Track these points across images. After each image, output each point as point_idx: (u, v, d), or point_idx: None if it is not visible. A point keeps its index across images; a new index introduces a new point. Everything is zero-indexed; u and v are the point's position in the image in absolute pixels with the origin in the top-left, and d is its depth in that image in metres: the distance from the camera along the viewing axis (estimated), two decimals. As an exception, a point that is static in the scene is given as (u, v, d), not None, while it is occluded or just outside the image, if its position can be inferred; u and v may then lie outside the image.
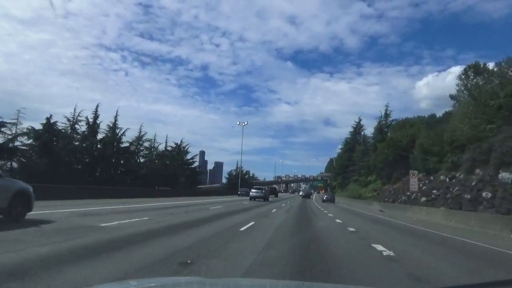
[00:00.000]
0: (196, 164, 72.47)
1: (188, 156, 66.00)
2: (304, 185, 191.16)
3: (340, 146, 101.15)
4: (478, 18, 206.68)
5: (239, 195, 59.32)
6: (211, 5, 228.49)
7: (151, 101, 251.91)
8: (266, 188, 55.63)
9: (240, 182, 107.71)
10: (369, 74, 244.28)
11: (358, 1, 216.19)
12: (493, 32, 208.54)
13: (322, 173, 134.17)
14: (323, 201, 55.93)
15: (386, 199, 45.93)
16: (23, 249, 5.60)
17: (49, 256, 5.31)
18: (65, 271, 4.49)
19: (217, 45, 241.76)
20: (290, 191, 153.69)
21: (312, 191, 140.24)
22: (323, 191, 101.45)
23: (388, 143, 56.67)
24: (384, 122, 68.07)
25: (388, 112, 67.81)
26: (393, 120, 67.04)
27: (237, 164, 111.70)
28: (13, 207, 8.53)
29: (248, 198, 42.44)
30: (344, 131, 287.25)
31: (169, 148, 63.40)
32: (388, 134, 65.67)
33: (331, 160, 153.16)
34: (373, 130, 72.37)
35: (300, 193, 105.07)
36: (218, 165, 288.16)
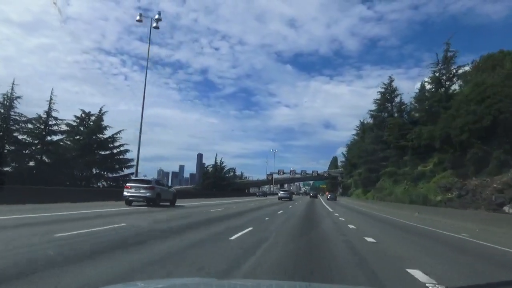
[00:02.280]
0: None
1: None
2: (304, 188, 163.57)
3: (353, 133, 73.69)
4: (478, 20, 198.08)
5: (257, 195, 73.95)
6: (210, 9, 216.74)
7: (151, 105, 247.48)
8: (294, 190, 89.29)
9: (219, 181, 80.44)
10: (369, 76, 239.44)
11: (358, 4, 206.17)
12: (493, 34, 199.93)
13: (326, 171, 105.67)
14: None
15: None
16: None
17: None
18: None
19: (217, 49, 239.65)
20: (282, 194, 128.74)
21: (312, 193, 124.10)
22: (327, 193, 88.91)
23: (476, 92, 28.94)
24: (443, 71, 40.06)
25: (449, 56, 39.80)
26: (459, 67, 38.99)
27: (214, 160, 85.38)
28: (173, 201, 21.80)
29: (260, 197, 64.47)
30: (344, 134, 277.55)
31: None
32: (458, 88, 37.93)
33: (335, 158, 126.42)
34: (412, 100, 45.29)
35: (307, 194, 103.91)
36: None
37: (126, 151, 41.79)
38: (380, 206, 31.48)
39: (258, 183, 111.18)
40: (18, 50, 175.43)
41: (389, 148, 47.17)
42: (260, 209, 21.62)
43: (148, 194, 18.30)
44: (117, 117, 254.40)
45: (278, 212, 19.22)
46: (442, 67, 40.38)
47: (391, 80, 53.02)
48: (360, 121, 71.16)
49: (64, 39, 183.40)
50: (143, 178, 21.84)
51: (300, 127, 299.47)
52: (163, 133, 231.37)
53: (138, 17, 31.54)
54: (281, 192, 55.47)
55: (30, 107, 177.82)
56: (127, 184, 19.18)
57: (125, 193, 18.45)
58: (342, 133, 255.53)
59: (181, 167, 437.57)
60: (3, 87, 31.66)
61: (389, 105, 52.51)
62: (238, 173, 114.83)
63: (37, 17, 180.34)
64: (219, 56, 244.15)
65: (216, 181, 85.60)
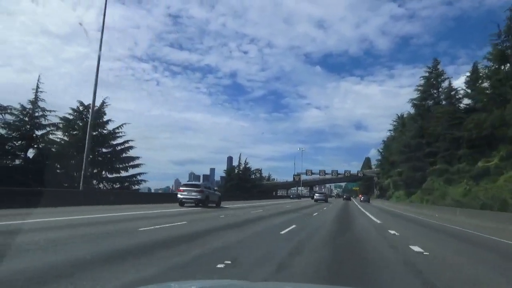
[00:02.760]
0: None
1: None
2: (336, 190, 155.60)
3: (389, 129, 66.10)
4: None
5: (291, 198, 77.42)
6: (238, 13, 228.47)
7: (182, 109, 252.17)
8: (326, 192, 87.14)
9: (243, 183, 75.48)
10: (402, 76, 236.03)
11: (388, 2, 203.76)
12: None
13: (360, 171, 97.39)
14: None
15: None
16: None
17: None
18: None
19: (245, 52, 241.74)
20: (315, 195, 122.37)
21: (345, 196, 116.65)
22: (360, 196, 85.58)
23: None
24: (506, 43, 32.44)
25: (516, 24, 32.08)
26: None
27: (238, 160, 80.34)
28: (219, 203, 24.02)
29: (294, 199, 66.80)
30: (376, 135, 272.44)
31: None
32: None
33: (367, 159, 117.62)
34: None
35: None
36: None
37: (130, 148, 37.13)
38: (434, 212, 24.52)
39: (286, 185, 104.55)
40: (56, 59, 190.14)
41: (437, 141, 39.60)
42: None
43: (198, 197, 20.97)
44: (151, 121, 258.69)
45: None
46: (505, 38, 32.66)
47: (437, 63, 45.25)
48: (398, 115, 63.50)
49: (99, 48, 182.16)
50: (194, 182, 24.86)
51: (330, 128, 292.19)
52: (194, 137, 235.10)
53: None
54: (317, 195, 57.50)
55: (67, 114, 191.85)
56: (180, 188, 22.23)
57: (179, 196, 21.45)
58: (374, 134, 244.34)
59: (212, 170, 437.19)
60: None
61: (435, 91, 44.69)
62: (264, 174, 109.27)
63: (74, 28, 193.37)
64: (248, 59, 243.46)
65: (240, 182, 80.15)
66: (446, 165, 37.21)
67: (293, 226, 11.47)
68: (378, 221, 16.04)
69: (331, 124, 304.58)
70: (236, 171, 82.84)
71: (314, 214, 19.32)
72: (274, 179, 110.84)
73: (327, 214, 20.57)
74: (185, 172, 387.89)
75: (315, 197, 55.11)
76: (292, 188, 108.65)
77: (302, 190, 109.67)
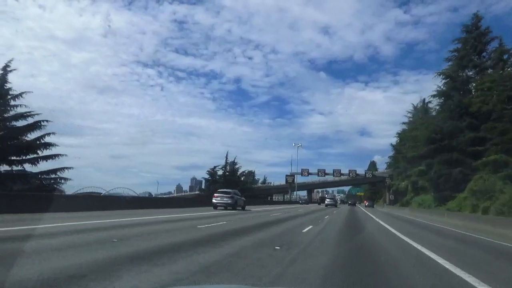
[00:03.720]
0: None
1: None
2: (339, 195, 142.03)
3: (407, 115, 54.42)
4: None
5: (300, 203, 74.97)
6: (243, 19, 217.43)
7: (186, 115, 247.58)
8: (336, 197, 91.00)
9: (231, 186, 63.03)
10: (406, 82, 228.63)
11: (394, 8, 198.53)
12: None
13: (369, 172, 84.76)
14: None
15: None
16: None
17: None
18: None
19: (250, 58, 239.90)
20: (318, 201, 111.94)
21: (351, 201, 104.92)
22: (365, 201, 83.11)
23: None
24: None
25: None
26: None
27: (225, 159, 69.29)
28: (244, 206, 28.39)
29: (303, 204, 70.18)
30: (380, 141, 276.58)
31: None
32: None
33: (373, 163, 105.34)
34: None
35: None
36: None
37: (36, 125, 25.09)
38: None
39: (281, 189, 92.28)
40: (62, 65, 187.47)
41: (486, 123, 27.45)
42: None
43: (229, 201, 25.89)
44: (155, 127, 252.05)
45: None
46: None
47: (478, 19, 33.08)
48: (413, 104, 52.04)
49: (104, 53, 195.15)
50: (226, 190, 28.95)
51: (334, 134, 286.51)
52: (197, 142, 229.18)
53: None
54: (328, 200, 64.41)
55: (72, 119, 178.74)
56: (215, 194, 27.06)
57: (213, 200, 26.26)
58: (378, 140, 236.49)
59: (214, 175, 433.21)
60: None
61: (476, 57, 32.55)
62: (258, 177, 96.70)
63: (80, 33, 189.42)
64: (252, 65, 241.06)
65: (226, 186, 68.07)
66: (504, 156, 25.03)
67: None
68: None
69: (334, 130, 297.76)
70: (222, 172, 71.31)
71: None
72: (270, 182, 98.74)
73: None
74: (187, 177, 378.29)
75: (326, 202, 62.80)
76: (295, 193, 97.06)
77: (298, 195, 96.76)
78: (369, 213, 30.83)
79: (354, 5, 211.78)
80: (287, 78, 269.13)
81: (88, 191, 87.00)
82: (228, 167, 71.46)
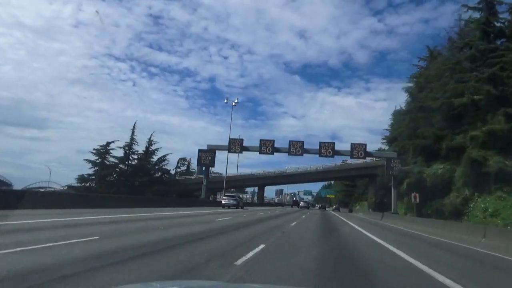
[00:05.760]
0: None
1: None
2: (305, 198, 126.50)
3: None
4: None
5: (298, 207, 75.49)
6: (221, 18, 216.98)
7: (158, 112, 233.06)
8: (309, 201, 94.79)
9: (132, 178, 48.17)
10: (377, 89, 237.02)
11: (369, 17, 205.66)
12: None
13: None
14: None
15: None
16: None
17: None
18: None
19: (226, 57, 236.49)
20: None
21: (317, 205, 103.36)
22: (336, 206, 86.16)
23: None
24: None
25: None
26: None
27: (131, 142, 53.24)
28: (242, 206, 39.27)
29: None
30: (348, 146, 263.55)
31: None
32: None
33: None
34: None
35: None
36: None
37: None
38: None
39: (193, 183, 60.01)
40: (30, 54, 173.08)
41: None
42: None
43: (235, 202, 36.21)
44: (125, 123, 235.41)
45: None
46: None
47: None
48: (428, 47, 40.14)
49: (74, 44, 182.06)
50: (231, 194, 42.48)
51: (306, 138, 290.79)
52: (169, 140, 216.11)
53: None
54: (302, 203, 76.07)
55: (37, 110, 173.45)
56: (223, 197, 39.32)
57: (223, 202, 36.61)
58: (348, 145, 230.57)
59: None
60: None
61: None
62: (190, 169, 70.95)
63: (49, 22, 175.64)
64: (228, 64, 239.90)
65: (125, 178, 50.13)
66: None
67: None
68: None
69: (307, 134, 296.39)
70: (124, 152, 51.83)
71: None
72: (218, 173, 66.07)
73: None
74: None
75: (300, 204, 73.92)
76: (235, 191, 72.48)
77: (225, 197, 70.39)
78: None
79: (331, 11, 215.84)
80: (261, 79, 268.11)
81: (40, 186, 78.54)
82: (132, 145, 52.25)
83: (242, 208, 36.73)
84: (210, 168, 48.00)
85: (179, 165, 65.71)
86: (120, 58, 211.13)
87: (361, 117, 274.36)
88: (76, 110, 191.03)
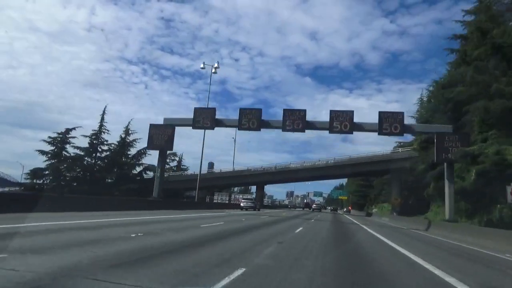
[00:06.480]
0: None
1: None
2: (318, 200, 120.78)
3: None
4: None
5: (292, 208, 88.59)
6: (231, 20, 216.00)
7: (169, 114, 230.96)
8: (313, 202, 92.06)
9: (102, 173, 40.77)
10: (389, 91, 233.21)
11: (381, 18, 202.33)
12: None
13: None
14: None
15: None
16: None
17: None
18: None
19: (237, 60, 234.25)
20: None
21: (329, 207, 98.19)
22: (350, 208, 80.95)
23: None
24: None
25: None
26: None
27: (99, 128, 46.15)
28: (258, 208, 41.78)
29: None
30: (361, 149, 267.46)
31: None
32: None
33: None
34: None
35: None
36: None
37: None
38: None
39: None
40: (44, 57, 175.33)
41: None
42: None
43: (252, 205, 40.10)
44: (137, 124, 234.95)
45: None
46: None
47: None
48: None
49: (88, 48, 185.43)
50: (249, 197, 52.67)
51: (317, 140, 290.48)
52: (179, 143, 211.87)
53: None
54: (314, 205, 74.05)
55: (51, 113, 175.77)
56: (242, 200, 46.14)
57: (242, 204, 40.86)
58: (359, 147, 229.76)
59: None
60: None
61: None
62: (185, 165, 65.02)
63: (63, 26, 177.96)
64: (239, 67, 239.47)
65: (91, 173, 42.26)
66: None
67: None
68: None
69: (318, 136, 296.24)
70: (89, 142, 43.67)
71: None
72: (186, 168, 63.62)
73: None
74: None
75: (313, 206, 73.48)
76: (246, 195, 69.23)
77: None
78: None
79: (342, 12, 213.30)
80: (272, 81, 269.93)
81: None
82: (101, 134, 43.88)
83: (259, 210, 40.42)
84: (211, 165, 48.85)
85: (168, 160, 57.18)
86: (132, 61, 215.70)
87: (373, 118, 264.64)
88: (88, 113, 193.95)
